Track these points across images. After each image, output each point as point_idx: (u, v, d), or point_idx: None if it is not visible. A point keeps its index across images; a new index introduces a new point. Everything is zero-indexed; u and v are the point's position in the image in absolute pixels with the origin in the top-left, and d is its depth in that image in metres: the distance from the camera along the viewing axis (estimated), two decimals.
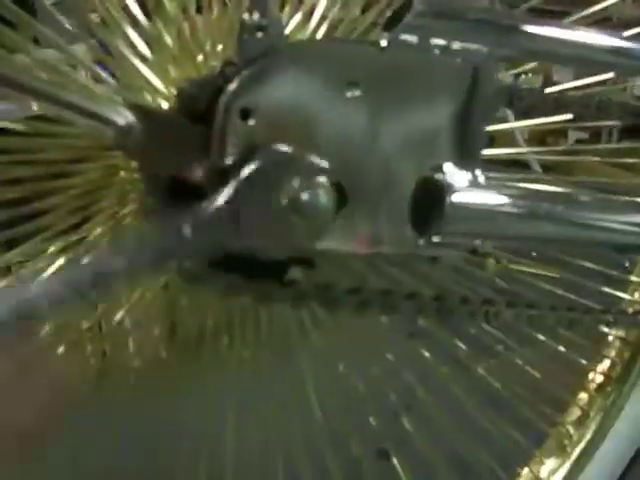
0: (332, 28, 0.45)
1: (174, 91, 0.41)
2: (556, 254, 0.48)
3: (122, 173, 0.43)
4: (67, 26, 0.41)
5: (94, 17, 0.42)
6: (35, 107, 0.37)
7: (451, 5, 0.40)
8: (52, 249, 0.44)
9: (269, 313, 0.43)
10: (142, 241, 0.32)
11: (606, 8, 0.49)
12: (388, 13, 0.39)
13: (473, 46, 0.39)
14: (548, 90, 0.46)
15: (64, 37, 0.41)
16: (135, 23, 0.42)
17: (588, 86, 0.48)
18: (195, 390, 0.47)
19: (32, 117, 0.40)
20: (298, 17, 0.45)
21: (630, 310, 0.46)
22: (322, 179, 0.35)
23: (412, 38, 0.38)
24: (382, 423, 0.53)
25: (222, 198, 0.33)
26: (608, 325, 0.46)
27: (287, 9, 0.44)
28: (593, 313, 0.44)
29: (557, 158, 0.55)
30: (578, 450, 0.51)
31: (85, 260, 0.30)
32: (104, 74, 0.41)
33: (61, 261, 0.44)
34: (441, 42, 0.38)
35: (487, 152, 0.46)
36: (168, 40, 0.42)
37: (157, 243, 0.32)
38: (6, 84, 0.34)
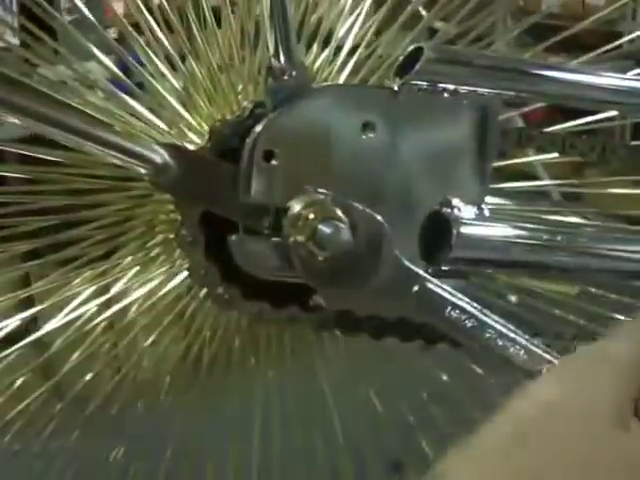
0: (357, 67, 0.51)
1: (205, 126, 0.48)
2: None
3: (150, 204, 0.49)
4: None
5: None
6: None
7: (459, 52, 0.47)
8: (79, 279, 0.50)
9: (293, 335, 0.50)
10: None
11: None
12: (400, 59, 0.45)
13: (480, 89, 0.45)
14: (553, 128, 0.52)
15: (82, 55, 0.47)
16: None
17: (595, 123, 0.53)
18: (219, 408, 0.54)
19: (62, 147, 0.46)
20: (324, 56, 0.51)
21: None
22: (340, 214, 0.41)
23: (423, 82, 0.44)
24: (397, 436, 0.58)
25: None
26: None
27: (314, 49, 0.51)
28: None
29: (577, 190, 0.61)
30: None
31: None
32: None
33: (89, 291, 0.50)
34: (450, 86, 0.45)
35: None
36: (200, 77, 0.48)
37: None
38: (44, 120, 0.38)
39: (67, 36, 0.48)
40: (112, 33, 0.52)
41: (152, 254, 0.49)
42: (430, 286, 0.42)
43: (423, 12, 0.56)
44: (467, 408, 0.57)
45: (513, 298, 0.60)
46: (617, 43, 0.56)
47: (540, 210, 0.53)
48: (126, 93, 0.48)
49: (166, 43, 0.48)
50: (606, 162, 0.50)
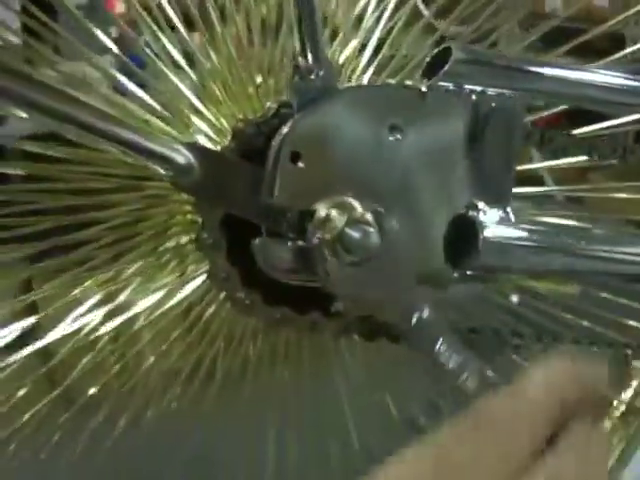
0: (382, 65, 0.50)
1: (225, 124, 0.46)
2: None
3: (165, 205, 0.47)
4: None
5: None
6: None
7: (488, 53, 0.46)
8: (88, 283, 0.48)
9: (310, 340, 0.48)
10: None
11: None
12: (427, 59, 0.44)
13: (506, 91, 0.44)
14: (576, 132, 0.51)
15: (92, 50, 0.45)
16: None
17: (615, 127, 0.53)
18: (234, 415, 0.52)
19: (72, 144, 0.44)
20: (348, 52, 0.50)
21: None
22: (369, 218, 0.40)
23: (449, 84, 0.43)
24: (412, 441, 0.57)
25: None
26: (628, 358, 0.51)
27: (337, 41, 0.49)
28: (616, 347, 0.49)
29: (585, 195, 0.61)
30: None
31: None
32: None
33: (98, 295, 0.47)
34: (477, 87, 0.44)
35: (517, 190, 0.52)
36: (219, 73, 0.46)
37: None
38: (64, 119, 0.37)
39: (77, 29, 0.46)
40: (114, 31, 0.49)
41: (164, 259, 0.47)
42: (427, 318, 0.41)
43: (435, 23, 0.55)
44: None
45: (515, 298, 0.60)
46: (629, 50, 0.55)
47: (558, 214, 0.53)
48: (141, 88, 0.45)
49: (184, 34, 0.46)
50: (626, 164, 0.50)
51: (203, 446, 0.52)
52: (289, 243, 0.41)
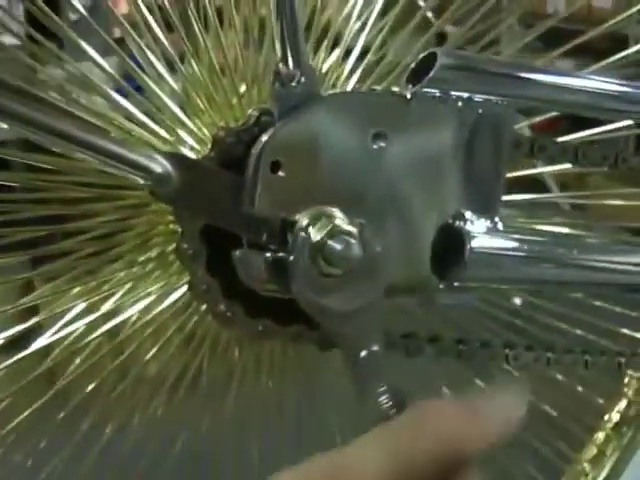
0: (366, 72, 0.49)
1: (207, 133, 0.45)
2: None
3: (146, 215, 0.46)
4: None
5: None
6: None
7: (475, 58, 0.45)
8: (73, 292, 0.47)
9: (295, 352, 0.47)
10: None
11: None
12: (412, 65, 0.43)
13: (495, 97, 0.43)
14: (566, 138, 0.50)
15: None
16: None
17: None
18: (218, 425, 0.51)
19: (50, 152, 0.42)
20: (332, 60, 0.49)
21: None
22: (352, 229, 0.39)
23: (435, 90, 0.42)
24: None
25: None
26: (622, 366, 0.50)
27: (322, 50, 0.48)
28: (609, 355, 0.48)
29: (585, 202, 0.59)
30: None
31: None
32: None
33: (82, 305, 0.47)
34: (463, 94, 0.42)
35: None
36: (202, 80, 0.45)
37: None
38: (35, 125, 0.35)
39: (66, 37, 0.45)
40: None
41: (148, 268, 0.46)
42: (377, 353, 0.39)
43: (431, 17, 0.53)
44: None
45: (518, 301, 0.59)
46: (630, 51, 0.54)
47: (552, 222, 0.51)
48: (125, 97, 0.45)
49: (166, 43, 0.45)
50: (618, 172, 0.48)
51: (188, 453, 0.51)
52: (269, 254, 0.40)
